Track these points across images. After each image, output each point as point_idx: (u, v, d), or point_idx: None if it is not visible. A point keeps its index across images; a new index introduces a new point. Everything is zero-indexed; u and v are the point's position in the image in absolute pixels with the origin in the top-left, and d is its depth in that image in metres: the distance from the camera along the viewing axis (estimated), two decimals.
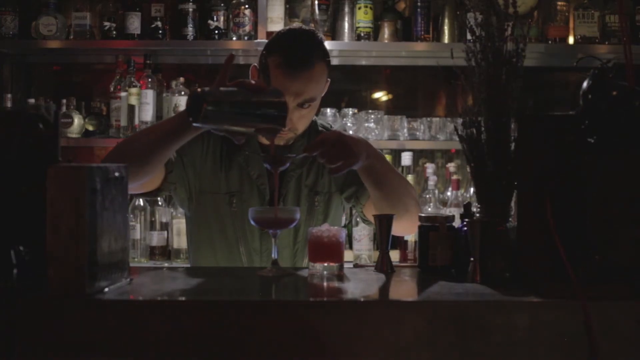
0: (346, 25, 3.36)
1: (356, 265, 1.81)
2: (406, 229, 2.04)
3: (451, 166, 3.28)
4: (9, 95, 3.39)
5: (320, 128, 2.18)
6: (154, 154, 1.85)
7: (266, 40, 3.22)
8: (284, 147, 2.09)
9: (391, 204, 1.94)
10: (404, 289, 1.60)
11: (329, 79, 2.05)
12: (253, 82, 1.79)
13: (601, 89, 1.48)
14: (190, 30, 3.35)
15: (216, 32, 3.34)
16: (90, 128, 3.41)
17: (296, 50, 1.96)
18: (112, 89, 3.39)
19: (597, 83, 1.49)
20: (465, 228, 1.60)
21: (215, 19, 3.35)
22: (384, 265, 1.69)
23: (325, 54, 2.01)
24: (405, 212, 1.95)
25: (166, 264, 3.27)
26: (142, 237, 3.33)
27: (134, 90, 3.32)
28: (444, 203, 3.24)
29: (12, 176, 1.47)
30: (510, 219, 1.66)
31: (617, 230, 1.45)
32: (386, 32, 3.35)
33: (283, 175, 2.09)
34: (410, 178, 3.21)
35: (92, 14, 3.42)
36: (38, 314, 1.33)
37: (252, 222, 1.71)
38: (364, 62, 3.67)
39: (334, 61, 3.60)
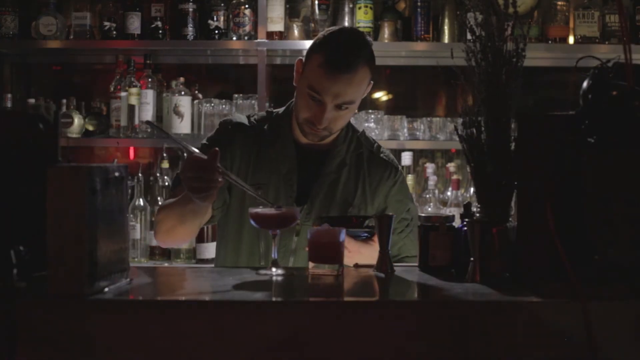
0: (346, 25, 3.36)
1: (356, 265, 1.81)
2: None
3: (451, 166, 3.28)
4: (9, 95, 3.39)
5: (363, 141, 2.18)
6: (189, 225, 1.99)
7: (266, 40, 3.27)
8: (322, 147, 2.09)
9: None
10: (404, 289, 1.60)
11: (372, 82, 2.05)
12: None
13: (601, 89, 1.48)
14: (190, 30, 3.35)
15: (216, 32, 3.34)
16: (90, 128, 3.41)
17: (340, 52, 1.95)
18: (112, 89, 3.39)
19: (597, 83, 1.49)
20: (465, 228, 1.60)
21: (215, 19, 3.35)
22: (384, 265, 1.69)
23: (370, 58, 2.00)
24: None
25: (166, 264, 3.27)
26: (142, 237, 3.33)
27: (134, 90, 3.32)
28: (444, 203, 3.24)
29: (12, 176, 1.47)
30: (510, 219, 1.66)
31: (617, 230, 1.45)
32: (386, 32, 3.35)
33: (316, 177, 2.09)
34: (410, 178, 3.21)
35: (92, 14, 3.42)
36: (38, 314, 1.33)
37: (252, 222, 1.71)
38: None
39: None
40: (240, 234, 2.09)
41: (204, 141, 2.13)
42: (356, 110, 2.11)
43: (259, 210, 1.72)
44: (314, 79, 1.95)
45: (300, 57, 2.07)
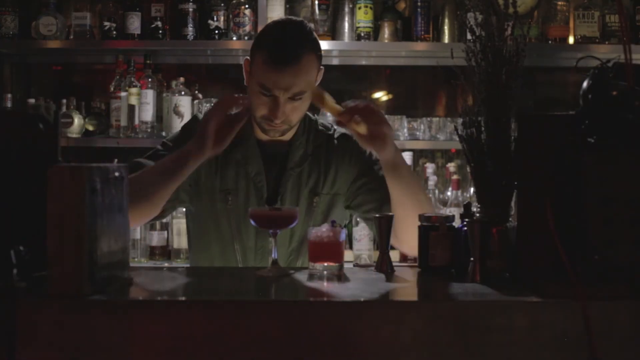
0: (346, 25, 3.36)
1: (356, 265, 1.81)
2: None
3: (451, 166, 3.28)
4: (9, 96, 3.39)
5: (320, 127, 2.17)
6: (160, 194, 1.91)
7: None
8: (284, 143, 2.09)
9: (412, 204, 1.93)
10: (404, 289, 1.60)
11: (322, 68, 2.04)
12: None
13: (601, 89, 1.48)
14: (190, 30, 3.35)
15: (216, 32, 3.35)
16: (91, 128, 3.41)
17: (283, 45, 1.94)
18: (112, 89, 3.40)
19: (597, 83, 1.49)
20: (465, 228, 1.60)
21: (215, 19, 3.35)
22: (384, 265, 1.69)
23: (314, 45, 2.00)
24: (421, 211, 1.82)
25: (166, 264, 3.27)
26: (142, 237, 3.33)
27: (134, 90, 3.32)
28: (444, 203, 3.24)
29: (12, 176, 1.47)
30: (510, 219, 1.66)
31: (617, 230, 1.44)
32: (386, 32, 3.35)
33: (282, 173, 2.08)
34: None
35: (92, 14, 3.43)
36: (38, 314, 1.33)
37: (252, 222, 1.71)
38: (364, 62, 3.67)
39: (334, 61, 3.60)
40: (206, 239, 2.08)
41: (166, 141, 2.11)
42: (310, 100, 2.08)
43: (258, 210, 1.72)
44: (262, 76, 1.95)
45: (247, 57, 2.06)
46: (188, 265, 3.20)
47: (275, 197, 2.06)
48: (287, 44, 1.94)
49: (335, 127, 2.16)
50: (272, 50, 1.93)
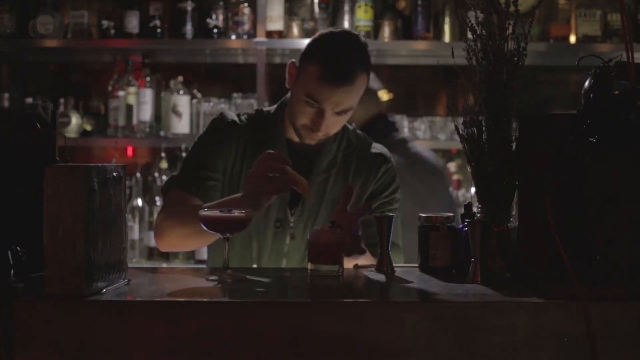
0: (346, 24, 3.35)
1: (356, 266, 1.80)
2: None
3: (451, 166, 3.27)
4: (6, 95, 3.38)
5: (354, 139, 2.12)
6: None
7: (265, 39, 3.25)
8: (315, 147, 2.06)
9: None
10: (404, 289, 1.59)
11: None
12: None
13: (603, 89, 1.47)
14: (188, 29, 3.34)
15: (215, 31, 3.34)
16: (88, 128, 3.41)
17: (339, 63, 1.91)
18: (110, 88, 3.39)
19: (599, 82, 1.48)
20: (466, 228, 1.59)
21: (214, 17, 3.34)
22: (384, 266, 1.68)
23: (367, 63, 1.98)
24: None
25: (164, 265, 3.27)
26: (141, 238, 3.32)
27: (132, 89, 3.31)
28: None
29: (9, 176, 1.47)
30: (510, 219, 1.65)
31: (617, 230, 1.44)
32: (386, 30, 3.35)
33: (308, 176, 2.04)
34: None
35: (90, 12, 3.42)
36: (36, 315, 1.32)
37: (202, 226, 1.59)
38: None
39: None
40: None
41: (196, 141, 2.07)
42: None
43: (209, 212, 1.58)
44: (313, 89, 1.92)
45: (293, 60, 2.03)
46: (188, 266, 3.19)
47: (297, 200, 2.03)
48: (344, 62, 1.92)
49: (374, 144, 2.15)
50: (328, 67, 1.91)
